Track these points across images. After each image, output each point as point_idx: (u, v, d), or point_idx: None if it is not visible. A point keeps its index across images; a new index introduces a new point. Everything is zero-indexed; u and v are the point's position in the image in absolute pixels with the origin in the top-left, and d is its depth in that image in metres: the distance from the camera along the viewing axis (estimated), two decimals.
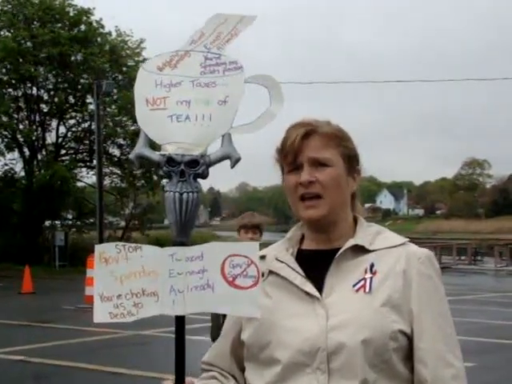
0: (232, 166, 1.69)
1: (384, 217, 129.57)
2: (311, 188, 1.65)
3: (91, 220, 30.46)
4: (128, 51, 30.35)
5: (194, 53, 1.77)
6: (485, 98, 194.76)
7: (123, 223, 34.20)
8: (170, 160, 1.65)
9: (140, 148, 1.70)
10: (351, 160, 1.72)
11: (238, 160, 1.68)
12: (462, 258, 34.62)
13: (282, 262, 1.70)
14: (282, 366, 1.58)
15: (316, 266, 1.67)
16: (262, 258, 1.71)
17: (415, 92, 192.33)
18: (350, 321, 1.56)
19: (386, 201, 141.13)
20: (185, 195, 1.64)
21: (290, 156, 1.68)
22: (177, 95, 1.72)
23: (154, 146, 1.71)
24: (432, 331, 1.59)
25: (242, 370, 1.74)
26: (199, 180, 1.69)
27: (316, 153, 1.66)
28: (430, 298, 1.62)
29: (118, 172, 31.87)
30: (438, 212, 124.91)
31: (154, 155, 1.68)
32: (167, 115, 1.70)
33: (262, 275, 1.67)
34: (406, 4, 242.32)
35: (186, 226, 1.66)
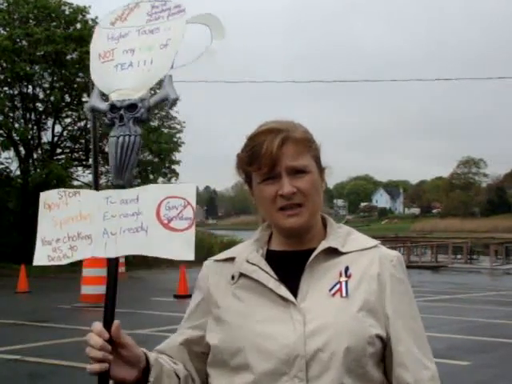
0: (169, 107, 1.69)
1: (380, 216, 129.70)
2: (293, 199, 1.59)
3: None
4: None
5: (143, 3, 1.79)
6: (481, 98, 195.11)
7: None
8: (113, 107, 1.66)
9: (93, 101, 1.72)
10: (319, 161, 1.68)
11: (175, 100, 1.65)
12: (458, 256, 34.62)
13: (253, 264, 1.63)
14: (257, 373, 1.53)
15: (287, 267, 1.62)
16: (231, 259, 1.67)
17: (411, 91, 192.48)
18: (329, 326, 1.53)
19: (381, 200, 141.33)
20: (121, 138, 1.64)
21: (265, 167, 1.59)
22: (123, 45, 1.74)
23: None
24: (406, 335, 1.58)
25: (195, 366, 1.68)
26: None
27: (294, 161, 1.60)
28: (403, 302, 1.61)
29: None
30: (434, 211, 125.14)
31: (103, 105, 1.69)
32: (114, 65, 1.72)
33: (233, 278, 1.64)
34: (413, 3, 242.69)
35: (122, 169, 1.64)
